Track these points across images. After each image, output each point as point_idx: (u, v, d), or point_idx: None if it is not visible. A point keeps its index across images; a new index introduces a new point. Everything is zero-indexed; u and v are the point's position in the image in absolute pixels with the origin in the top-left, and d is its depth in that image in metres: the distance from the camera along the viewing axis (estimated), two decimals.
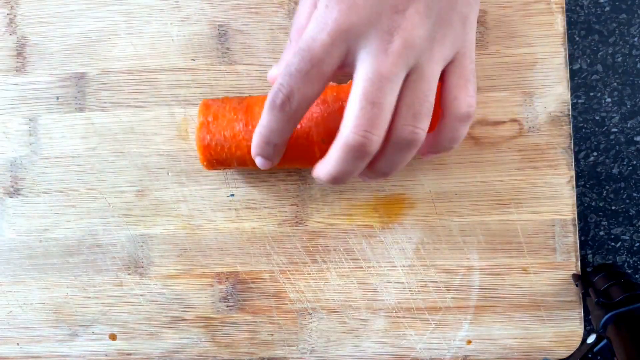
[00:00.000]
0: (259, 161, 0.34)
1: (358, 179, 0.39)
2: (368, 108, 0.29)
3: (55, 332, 0.41)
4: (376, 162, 0.33)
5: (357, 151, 0.30)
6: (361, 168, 0.32)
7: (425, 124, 0.31)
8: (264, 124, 0.32)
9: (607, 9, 0.43)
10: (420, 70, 0.30)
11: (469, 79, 0.32)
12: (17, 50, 0.40)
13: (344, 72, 0.31)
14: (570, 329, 0.39)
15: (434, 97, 0.31)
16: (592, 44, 0.43)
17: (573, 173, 0.39)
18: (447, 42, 0.31)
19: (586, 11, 0.43)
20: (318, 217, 0.40)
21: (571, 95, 0.40)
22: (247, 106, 0.36)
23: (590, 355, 0.36)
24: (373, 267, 0.40)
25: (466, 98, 0.31)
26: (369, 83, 0.29)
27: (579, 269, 0.39)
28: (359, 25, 0.29)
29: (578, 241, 0.39)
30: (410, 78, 0.30)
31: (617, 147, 0.43)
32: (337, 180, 0.32)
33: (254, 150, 0.33)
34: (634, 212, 0.43)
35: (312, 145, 0.35)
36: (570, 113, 0.39)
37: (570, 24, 0.43)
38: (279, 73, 0.31)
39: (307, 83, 0.30)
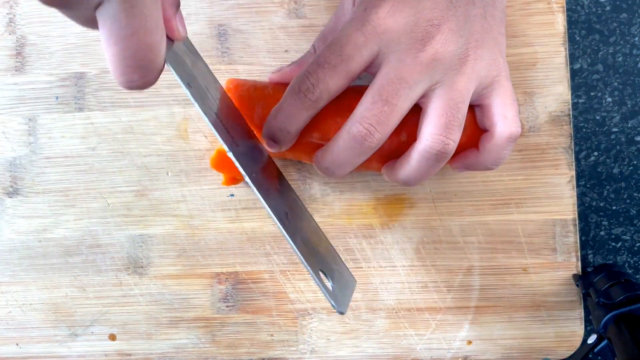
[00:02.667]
0: (267, 144, 0.33)
1: (358, 179, 0.39)
2: (379, 104, 0.30)
3: (54, 333, 0.41)
4: (400, 169, 0.32)
5: (356, 141, 0.30)
6: (356, 163, 0.32)
7: (456, 135, 0.30)
8: (282, 107, 0.32)
9: (608, 8, 0.43)
10: (450, 82, 0.30)
11: (514, 99, 0.32)
12: (16, 49, 0.40)
13: (369, 73, 0.32)
14: (570, 329, 0.39)
15: (466, 110, 0.31)
16: (593, 43, 0.43)
17: (574, 173, 0.39)
18: (481, 62, 0.31)
19: (587, 11, 0.43)
20: (318, 217, 0.39)
21: (572, 95, 0.40)
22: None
23: (590, 356, 0.36)
24: (373, 267, 0.40)
25: (515, 117, 0.32)
26: (388, 82, 0.30)
27: (580, 269, 0.39)
28: (394, 30, 0.30)
29: (579, 241, 0.39)
30: (439, 88, 0.30)
31: (618, 147, 0.42)
32: (332, 167, 0.32)
33: (265, 131, 0.33)
34: (634, 212, 0.43)
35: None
36: (571, 113, 0.39)
37: (571, 23, 0.43)
38: (310, 63, 0.31)
39: (334, 76, 0.30)
